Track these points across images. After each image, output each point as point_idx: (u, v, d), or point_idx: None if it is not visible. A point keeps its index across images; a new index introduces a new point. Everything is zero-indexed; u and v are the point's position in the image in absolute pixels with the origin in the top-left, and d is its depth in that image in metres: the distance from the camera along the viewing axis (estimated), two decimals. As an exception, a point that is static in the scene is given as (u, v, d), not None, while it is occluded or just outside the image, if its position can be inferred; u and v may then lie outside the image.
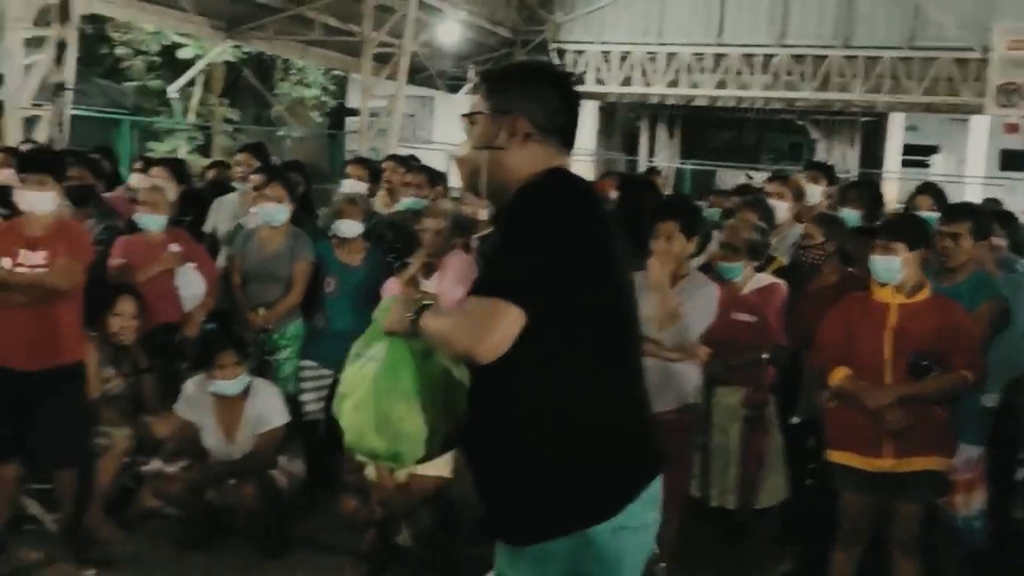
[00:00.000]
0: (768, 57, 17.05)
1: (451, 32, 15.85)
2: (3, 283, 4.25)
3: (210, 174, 7.67)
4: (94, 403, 4.67)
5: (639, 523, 2.12)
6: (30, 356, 4.28)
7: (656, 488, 2.16)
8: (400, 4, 13.81)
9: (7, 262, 4.27)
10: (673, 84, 17.74)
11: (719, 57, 17.29)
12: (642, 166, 20.38)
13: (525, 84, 2.22)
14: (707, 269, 4.52)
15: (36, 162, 4.55)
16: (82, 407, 4.52)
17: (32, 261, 4.29)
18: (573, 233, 2.05)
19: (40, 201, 4.33)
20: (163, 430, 4.84)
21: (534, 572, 2.11)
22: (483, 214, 5.42)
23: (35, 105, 9.34)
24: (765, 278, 4.53)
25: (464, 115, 2.27)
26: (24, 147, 7.15)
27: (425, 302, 2.24)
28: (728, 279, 4.41)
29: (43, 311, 4.29)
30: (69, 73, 9.27)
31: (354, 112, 18.85)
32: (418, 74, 16.38)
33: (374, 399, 2.36)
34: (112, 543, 4.60)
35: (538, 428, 2.06)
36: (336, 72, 21.33)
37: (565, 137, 2.24)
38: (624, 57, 17.89)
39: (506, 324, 1.98)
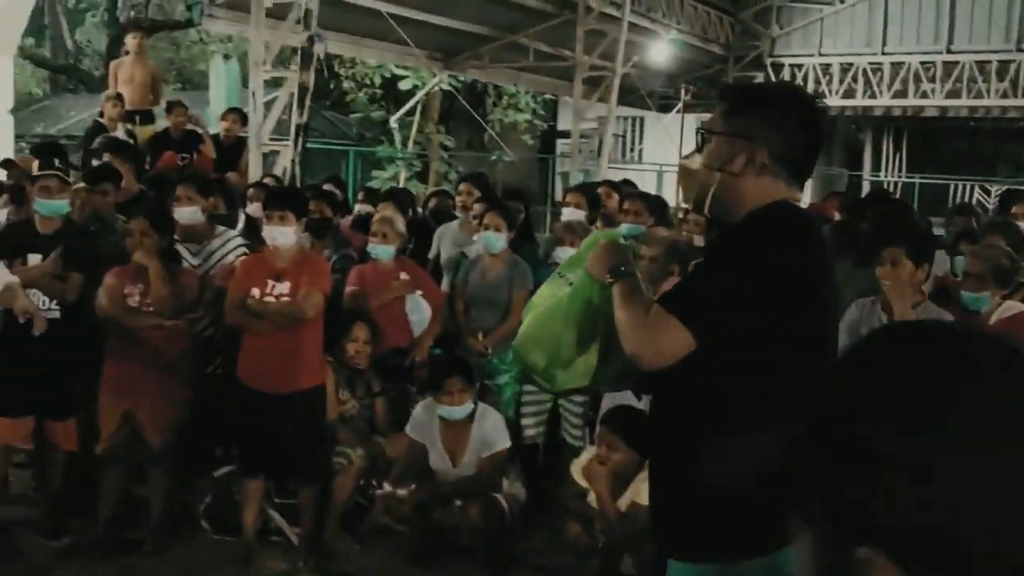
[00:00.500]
0: (1004, 63, 16.00)
1: (662, 52, 15.80)
2: (253, 312, 4.61)
3: (432, 202, 7.99)
4: (332, 424, 4.96)
5: None
6: (276, 380, 4.61)
7: None
8: (611, 27, 13.91)
9: (256, 292, 4.63)
10: (899, 95, 16.97)
11: (949, 65, 16.34)
12: (866, 181, 19.49)
13: (771, 110, 2.11)
14: (940, 294, 4.28)
15: (279, 199, 4.90)
16: (322, 428, 4.82)
17: (278, 291, 4.62)
18: (780, 276, 2.00)
19: (282, 235, 4.66)
20: (394, 451, 5.07)
21: None
22: (700, 240, 5.37)
23: (273, 140, 10.05)
24: (1014, 306, 4.23)
25: (700, 129, 2.21)
26: (266, 181, 7.71)
27: (624, 266, 2.23)
28: (974, 310, 4.14)
29: (288, 338, 4.61)
30: (306, 113, 9.89)
31: (565, 135, 19.11)
32: (628, 94, 16.42)
33: (551, 318, 2.42)
34: (347, 556, 4.86)
35: None
36: (546, 96, 21.71)
37: (801, 170, 2.14)
38: (846, 69, 17.28)
39: (671, 341, 1.98)
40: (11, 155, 9.14)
